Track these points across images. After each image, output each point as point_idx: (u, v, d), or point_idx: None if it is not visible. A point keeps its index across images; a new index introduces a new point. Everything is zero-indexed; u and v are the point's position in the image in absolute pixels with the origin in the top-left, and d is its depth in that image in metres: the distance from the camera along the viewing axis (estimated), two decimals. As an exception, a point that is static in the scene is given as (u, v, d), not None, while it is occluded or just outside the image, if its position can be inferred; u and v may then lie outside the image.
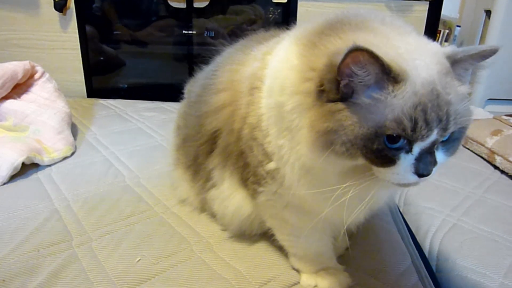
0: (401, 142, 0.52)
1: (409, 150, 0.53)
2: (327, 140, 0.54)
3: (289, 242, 0.78)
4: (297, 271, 0.80)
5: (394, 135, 0.51)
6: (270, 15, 1.81)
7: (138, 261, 0.79)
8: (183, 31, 1.82)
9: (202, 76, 0.91)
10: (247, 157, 0.72)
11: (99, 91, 1.88)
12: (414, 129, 0.51)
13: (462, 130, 0.56)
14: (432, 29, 1.61)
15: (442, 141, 0.55)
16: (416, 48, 0.55)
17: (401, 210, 1.11)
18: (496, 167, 1.25)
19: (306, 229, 0.72)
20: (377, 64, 0.50)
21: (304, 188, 0.64)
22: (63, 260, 0.79)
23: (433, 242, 0.94)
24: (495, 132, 1.33)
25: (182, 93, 1.04)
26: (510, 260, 0.86)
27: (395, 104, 0.51)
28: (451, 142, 0.56)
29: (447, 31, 1.90)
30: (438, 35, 1.90)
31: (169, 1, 1.76)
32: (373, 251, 0.86)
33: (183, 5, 1.75)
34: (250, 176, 0.73)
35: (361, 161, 0.54)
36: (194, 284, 0.74)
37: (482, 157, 1.31)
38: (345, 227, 0.66)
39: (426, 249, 0.94)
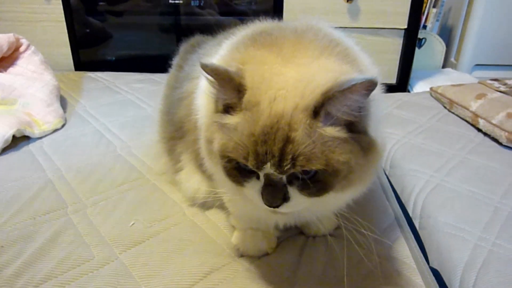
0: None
1: (258, 177, 0.53)
2: (208, 147, 0.58)
3: (228, 203, 0.78)
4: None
5: (232, 160, 0.53)
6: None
7: (132, 225, 0.82)
8: (170, 1, 1.79)
9: (195, 57, 0.91)
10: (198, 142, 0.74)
11: (87, 64, 1.86)
12: (246, 159, 0.51)
13: (325, 172, 0.51)
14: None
15: (302, 179, 0.52)
16: (286, 78, 0.53)
17: (387, 172, 1.15)
18: (479, 130, 1.28)
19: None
20: (228, 89, 0.52)
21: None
22: (59, 226, 0.81)
23: (417, 201, 0.97)
24: (479, 96, 1.36)
25: (170, 64, 1.04)
26: (489, 216, 0.90)
27: (238, 130, 0.52)
28: (312, 182, 0.52)
29: (435, -4, 1.90)
30: (426, 1, 1.88)
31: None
32: (358, 210, 0.89)
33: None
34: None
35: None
36: (188, 245, 0.77)
37: (466, 121, 1.34)
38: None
39: (410, 208, 0.98)
